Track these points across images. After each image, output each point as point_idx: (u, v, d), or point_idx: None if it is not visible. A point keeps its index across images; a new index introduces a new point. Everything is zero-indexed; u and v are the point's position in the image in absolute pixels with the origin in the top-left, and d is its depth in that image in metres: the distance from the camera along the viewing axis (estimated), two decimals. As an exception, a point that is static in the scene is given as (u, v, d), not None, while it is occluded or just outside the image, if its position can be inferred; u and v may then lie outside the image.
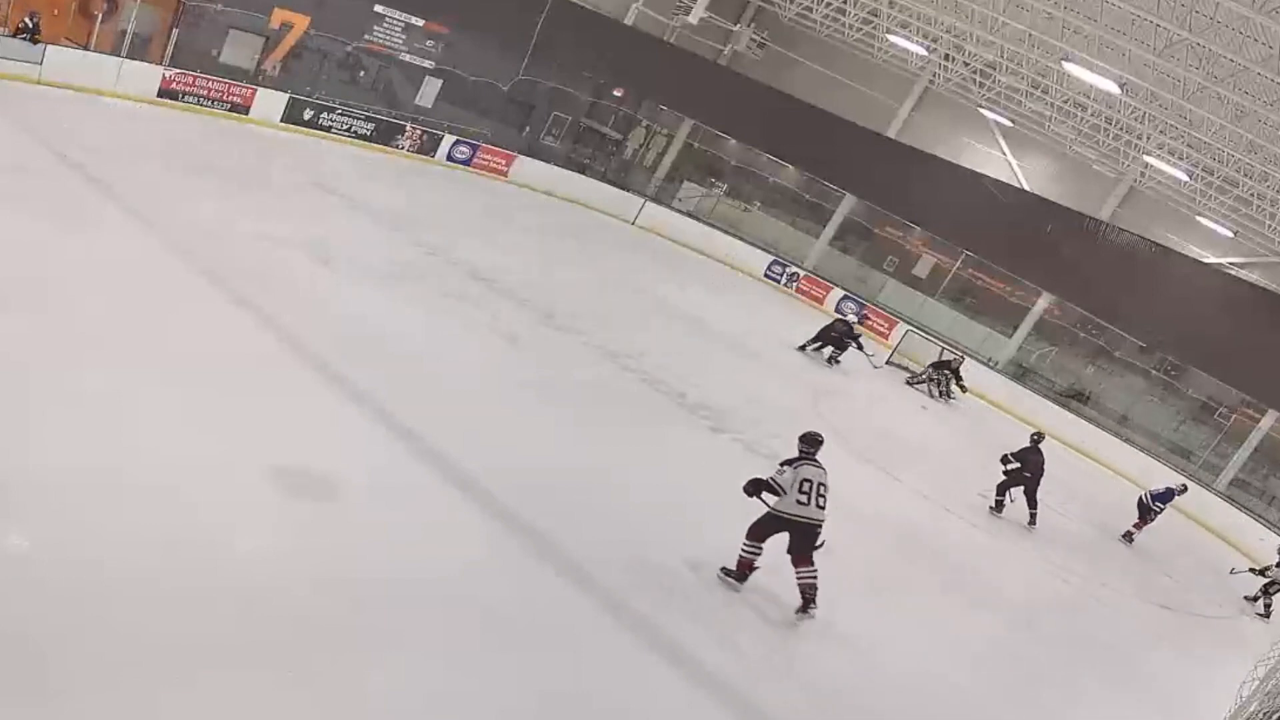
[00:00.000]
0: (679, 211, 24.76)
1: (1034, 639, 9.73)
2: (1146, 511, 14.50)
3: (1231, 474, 20.18)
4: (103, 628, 4.83)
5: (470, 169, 21.30)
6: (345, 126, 19.04)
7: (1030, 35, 18.87)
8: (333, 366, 8.87)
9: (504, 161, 21.97)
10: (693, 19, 22.66)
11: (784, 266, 23.88)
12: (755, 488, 7.57)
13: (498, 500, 7.71)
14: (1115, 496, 17.67)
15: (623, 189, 24.38)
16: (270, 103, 17.72)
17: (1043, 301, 22.55)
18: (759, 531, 7.62)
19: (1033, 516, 12.67)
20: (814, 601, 7.57)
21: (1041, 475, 12.64)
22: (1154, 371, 22.11)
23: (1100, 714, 8.78)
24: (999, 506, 12.67)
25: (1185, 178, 20.04)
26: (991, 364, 22.03)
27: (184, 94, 16.51)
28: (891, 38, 22.36)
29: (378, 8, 19.69)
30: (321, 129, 18.61)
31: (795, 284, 23.74)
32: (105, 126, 14.38)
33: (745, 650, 7.05)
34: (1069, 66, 17.29)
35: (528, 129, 23.90)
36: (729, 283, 22.41)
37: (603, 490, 8.77)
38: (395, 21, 19.99)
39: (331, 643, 5.41)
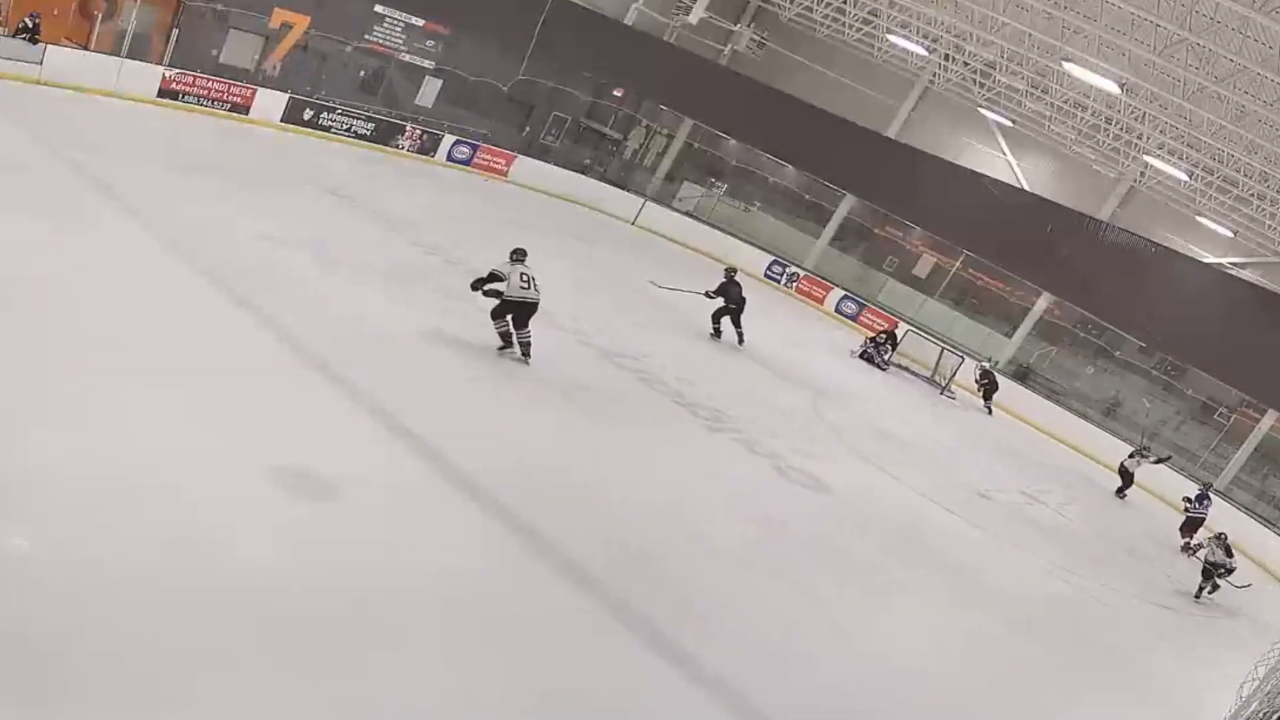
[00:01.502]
0: (679, 211, 24.74)
1: (1034, 639, 9.73)
2: (1197, 522, 15.07)
3: (1231, 474, 20.18)
4: (103, 628, 4.82)
5: (470, 169, 21.30)
6: (345, 126, 19.04)
7: (1030, 35, 18.87)
8: (333, 366, 8.87)
9: (504, 161, 21.97)
10: (692, 19, 22.66)
11: (784, 266, 23.88)
12: (479, 283, 10.39)
13: (497, 500, 7.71)
14: (1112, 495, 17.68)
15: (623, 189, 24.38)
16: (270, 103, 17.73)
17: (1043, 301, 22.55)
18: (498, 311, 10.55)
19: (740, 336, 15.66)
20: (529, 354, 10.66)
21: (742, 305, 15.54)
22: (1154, 371, 22.12)
23: (1100, 714, 8.78)
24: (717, 334, 15.55)
25: (1185, 178, 20.04)
26: (991, 364, 22.01)
27: (184, 94, 16.52)
28: (891, 38, 22.35)
29: (378, 8, 19.69)
30: (321, 129, 18.61)
31: (795, 284, 23.74)
32: (105, 126, 14.37)
33: (745, 650, 7.05)
34: (1069, 66, 17.29)
35: (528, 129, 23.91)
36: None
37: (602, 489, 8.77)
38: (395, 21, 19.99)
39: (331, 643, 5.41)
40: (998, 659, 9.01)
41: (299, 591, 5.71)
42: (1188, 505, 15.83)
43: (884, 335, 20.05)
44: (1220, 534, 13.07)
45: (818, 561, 9.23)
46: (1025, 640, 9.61)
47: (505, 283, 10.41)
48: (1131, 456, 17.53)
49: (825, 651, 7.61)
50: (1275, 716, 5.73)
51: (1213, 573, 12.82)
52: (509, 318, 10.53)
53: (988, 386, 19.84)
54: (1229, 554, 12.95)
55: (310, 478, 6.91)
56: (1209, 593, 12.96)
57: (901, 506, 11.66)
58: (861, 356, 19.41)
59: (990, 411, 19.77)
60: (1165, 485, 18.99)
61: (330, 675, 5.19)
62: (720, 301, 15.37)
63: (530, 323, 10.60)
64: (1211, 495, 16.31)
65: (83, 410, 6.58)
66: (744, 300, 15.60)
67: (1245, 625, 13.00)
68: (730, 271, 15.88)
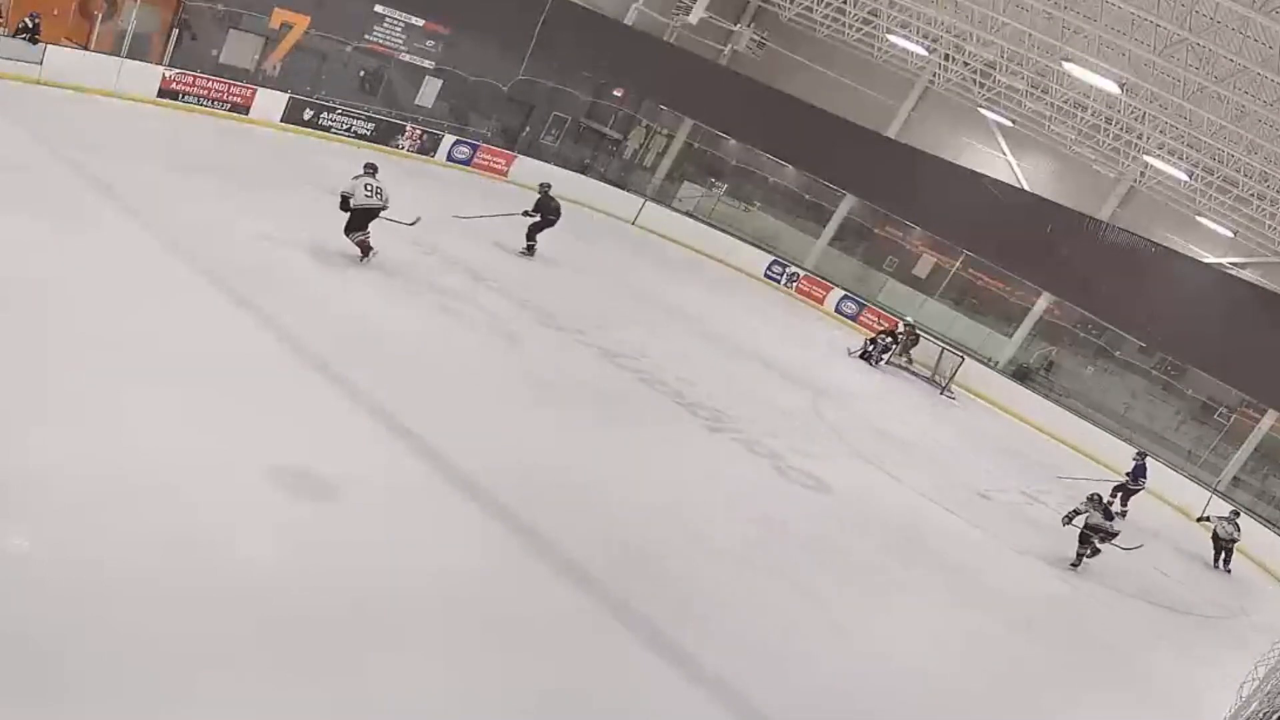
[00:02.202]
0: (679, 211, 24.74)
1: (1034, 639, 9.73)
2: (1228, 542, 15.02)
3: (1231, 474, 20.17)
4: (103, 628, 4.83)
5: (470, 169, 21.30)
6: (345, 126, 19.03)
7: (1030, 35, 18.86)
8: (332, 366, 8.87)
9: (504, 161, 21.97)
10: (692, 19, 22.65)
11: (784, 266, 23.87)
12: (345, 203, 11.68)
13: (497, 500, 7.72)
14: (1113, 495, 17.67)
15: (623, 189, 24.37)
16: (270, 103, 17.72)
17: (1043, 301, 22.55)
18: (351, 223, 11.74)
19: (531, 249, 15.88)
20: (368, 252, 11.87)
21: (554, 218, 15.90)
22: (1154, 371, 22.12)
23: (1100, 714, 8.78)
24: (530, 250, 15.79)
25: (1185, 178, 20.03)
26: (991, 364, 22.03)
27: (184, 94, 16.51)
28: (891, 38, 22.35)
29: (378, 8, 19.68)
30: (321, 129, 18.60)
31: (795, 284, 23.74)
32: (105, 126, 14.37)
33: (745, 650, 7.05)
34: (1069, 66, 17.28)
35: (528, 129, 23.91)
36: (729, 283, 22.41)
37: (602, 489, 8.77)
38: (395, 21, 19.99)
39: (331, 643, 5.41)
40: (998, 659, 9.01)
41: (299, 591, 5.71)
42: (1128, 479, 15.94)
43: (885, 335, 20.04)
44: (1095, 494, 12.45)
45: (818, 561, 9.23)
46: (1025, 640, 9.61)
47: (354, 197, 11.70)
48: (1220, 520, 15.37)
49: (825, 651, 7.61)
50: (1275, 716, 5.73)
51: (1090, 537, 12.01)
52: (369, 226, 11.83)
53: (906, 342, 20.34)
54: (1108, 517, 12.23)
55: (310, 478, 6.92)
56: (1089, 557, 12.13)
57: (901, 507, 11.66)
58: (862, 356, 19.44)
59: (904, 363, 20.25)
60: (1164, 485, 19.02)
61: (330, 675, 5.19)
62: (537, 218, 15.76)
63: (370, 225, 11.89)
64: (1147, 465, 16.36)
65: (83, 410, 6.58)
66: (559, 213, 16.05)
67: (1245, 625, 13.00)
68: (545, 187, 16.25)
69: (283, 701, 4.88)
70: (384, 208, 11.89)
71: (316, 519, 6.55)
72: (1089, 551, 12.08)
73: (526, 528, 7.50)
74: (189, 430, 6.83)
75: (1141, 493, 16.09)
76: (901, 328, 20.49)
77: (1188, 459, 20.55)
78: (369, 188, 11.73)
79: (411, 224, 12.88)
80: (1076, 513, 12.02)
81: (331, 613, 5.64)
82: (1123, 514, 15.23)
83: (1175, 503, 18.63)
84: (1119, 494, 15.63)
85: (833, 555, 9.55)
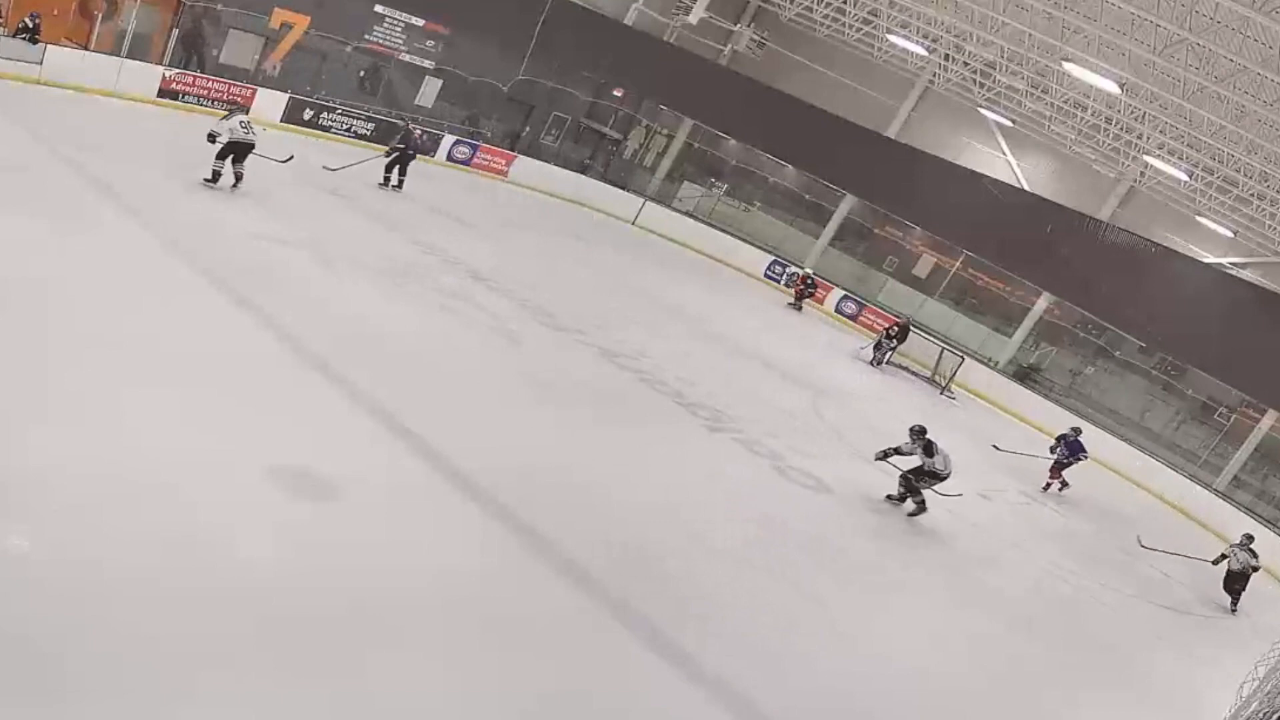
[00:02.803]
0: (679, 211, 24.75)
1: (1034, 639, 9.73)
2: (1244, 577, 13.19)
3: (1231, 474, 20.17)
4: (103, 628, 4.82)
5: (470, 169, 21.30)
6: (345, 126, 19.04)
7: (1030, 35, 18.86)
8: (332, 366, 8.86)
9: (504, 161, 21.97)
10: (692, 19, 22.65)
11: (784, 266, 23.88)
12: (212, 138, 12.50)
13: (497, 500, 7.71)
14: (1114, 495, 17.69)
15: (623, 189, 24.38)
16: (270, 103, 17.72)
17: (1043, 301, 22.55)
18: (221, 153, 12.64)
19: (388, 181, 16.58)
20: (238, 184, 12.85)
21: (416, 150, 16.96)
22: (1154, 371, 22.11)
23: (1100, 714, 8.78)
24: (397, 185, 16.59)
25: (1185, 178, 20.03)
26: (991, 364, 22.03)
27: (184, 94, 16.51)
28: (891, 38, 22.35)
29: (378, 8, 19.69)
30: (321, 129, 18.60)
31: (795, 284, 23.71)
32: (105, 126, 14.37)
33: (745, 650, 7.05)
34: (1069, 66, 17.28)
35: (528, 129, 23.91)
36: (729, 283, 22.42)
37: (602, 489, 8.76)
38: (395, 21, 20.00)
39: (331, 643, 5.41)
40: (998, 659, 9.01)
41: (299, 591, 5.71)
42: (1054, 448, 15.78)
43: (895, 329, 20.04)
44: (918, 427, 11.15)
45: (818, 561, 9.23)
46: (1025, 640, 9.61)
47: (230, 132, 12.61)
48: (1234, 549, 13.44)
49: (825, 651, 7.61)
50: (1275, 716, 5.73)
51: (912, 480, 11.05)
52: (230, 159, 12.74)
53: (801, 290, 22.07)
54: (930, 454, 10.82)
55: (310, 478, 6.91)
56: (912, 499, 11.04)
57: (902, 506, 11.64)
58: (873, 362, 19.44)
59: (800, 308, 21.76)
60: (1164, 484, 19.04)
61: (330, 675, 5.19)
62: (400, 146, 16.63)
63: (245, 161, 12.87)
64: (1082, 442, 15.67)
65: (83, 410, 6.58)
66: (421, 147, 17.45)
67: (1245, 625, 12.99)
68: (406, 120, 17.87)
69: (283, 701, 4.88)
70: (253, 145, 12.80)
71: (316, 519, 6.55)
72: (906, 493, 11.08)
73: (526, 528, 7.50)
74: (189, 430, 6.82)
75: (1082, 465, 15.70)
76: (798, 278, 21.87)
77: (1188, 459, 20.57)
78: (243, 124, 12.69)
79: (285, 161, 13.84)
80: (898, 451, 10.88)
81: (331, 613, 5.64)
82: (1060, 485, 15.48)
83: (1172, 501, 18.68)
84: (1057, 470, 15.56)
85: (833, 555, 9.55)
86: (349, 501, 6.89)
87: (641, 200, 24.13)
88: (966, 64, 22.14)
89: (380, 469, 7.47)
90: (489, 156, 21.69)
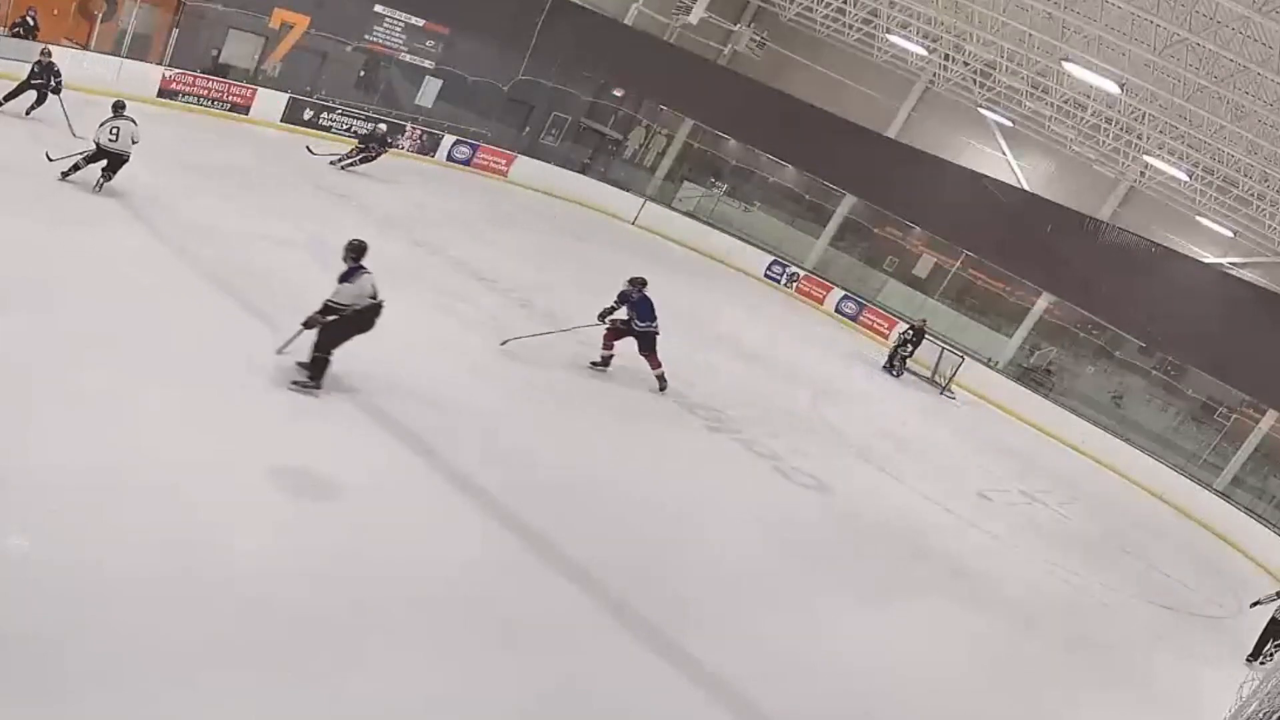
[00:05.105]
0: (679, 211, 24.75)
1: (1034, 639, 9.72)
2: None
3: (1231, 474, 20.17)
4: (103, 628, 4.82)
5: (470, 169, 21.30)
6: (345, 126, 19.04)
7: (1030, 35, 18.86)
8: (332, 366, 8.85)
9: (504, 161, 21.97)
10: (692, 19, 22.66)
11: (784, 266, 23.88)
12: (95, 149, 11.22)
13: (497, 500, 7.71)
14: (1113, 496, 17.69)
15: (623, 189, 24.38)
16: (270, 103, 17.72)
17: (1043, 301, 22.55)
18: (91, 156, 11.17)
19: (342, 160, 16.86)
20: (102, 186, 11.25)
21: (384, 148, 17.52)
22: (1154, 371, 22.11)
23: (1100, 714, 8.77)
24: (348, 167, 16.74)
25: (1185, 178, 20.03)
26: (991, 364, 22.02)
27: (184, 94, 16.52)
28: (891, 38, 22.35)
29: (378, 8, 19.71)
30: (321, 129, 18.61)
31: (795, 284, 23.74)
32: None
33: (745, 650, 7.05)
34: (1069, 66, 17.29)
35: (528, 129, 23.91)
36: (729, 282, 22.41)
37: (601, 489, 8.76)
38: (395, 21, 20.01)
39: (332, 643, 5.41)
40: (998, 659, 9.01)
41: (299, 591, 5.71)
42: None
43: (910, 332, 19.38)
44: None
45: (817, 561, 9.23)
46: (1025, 640, 9.60)
47: (101, 139, 11.29)
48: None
49: (825, 652, 7.60)
50: (1275, 716, 5.73)
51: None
52: (102, 164, 11.26)
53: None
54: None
55: (310, 478, 6.92)
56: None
57: (902, 507, 11.65)
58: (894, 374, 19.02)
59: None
60: (1164, 484, 19.04)
61: (330, 675, 5.18)
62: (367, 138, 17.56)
63: (119, 171, 11.40)
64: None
65: (83, 410, 6.58)
66: (389, 145, 17.91)
67: (1245, 626, 12.98)
68: (376, 125, 18.57)
69: (283, 701, 4.87)
70: (124, 157, 11.25)
71: (316, 519, 6.55)
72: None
73: (526, 527, 7.49)
74: (189, 430, 6.82)
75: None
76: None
77: (1188, 459, 20.55)
78: (112, 130, 11.16)
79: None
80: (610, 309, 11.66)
81: (331, 612, 5.64)
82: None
83: (1170, 500, 18.68)
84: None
85: (833, 556, 9.54)
86: (349, 501, 6.89)
87: (642, 200, 24.13)
88: (966, 64, 22.14)
89: (380, 469, 7.47)
90: (489, 156, 21.69)
